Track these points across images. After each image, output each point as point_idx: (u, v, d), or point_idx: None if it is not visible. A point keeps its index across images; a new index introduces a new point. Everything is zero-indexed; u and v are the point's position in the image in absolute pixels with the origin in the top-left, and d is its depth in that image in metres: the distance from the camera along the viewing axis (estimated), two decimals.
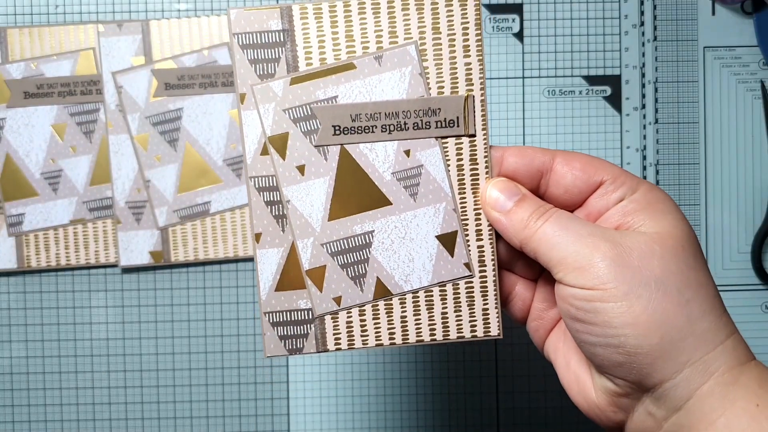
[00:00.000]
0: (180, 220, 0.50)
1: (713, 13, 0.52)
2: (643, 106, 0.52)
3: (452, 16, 0.34)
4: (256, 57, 0.33)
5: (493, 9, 0.51)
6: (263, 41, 0.33)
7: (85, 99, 0.49)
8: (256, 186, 0.34)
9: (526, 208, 0.32)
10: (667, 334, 0.28)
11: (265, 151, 0.34)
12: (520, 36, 0.51)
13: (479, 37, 0.34)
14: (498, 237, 0.34)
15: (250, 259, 0.51)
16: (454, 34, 0.34)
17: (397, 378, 0.52)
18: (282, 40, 0.34)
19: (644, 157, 0.52)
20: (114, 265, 0.51)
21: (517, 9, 0.51)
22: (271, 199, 0.34)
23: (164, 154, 0.49)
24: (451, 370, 0.52)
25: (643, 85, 0.52)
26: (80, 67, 0.49)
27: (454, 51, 0.34)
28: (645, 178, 0.52)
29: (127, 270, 0.51)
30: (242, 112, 0.33)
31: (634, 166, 0.51)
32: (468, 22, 0.34)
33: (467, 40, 0.34)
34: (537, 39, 0.51)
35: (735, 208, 0.52)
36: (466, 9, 0.34)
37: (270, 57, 0.34)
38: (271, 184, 0.34)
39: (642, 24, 0.51)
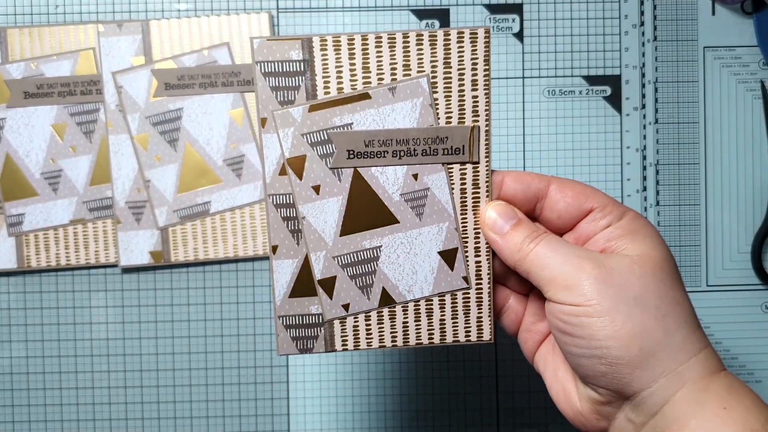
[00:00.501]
0: (180, 220, 0.50)
1: (713, 13, 0.52)
2: (643, 106, 0.52)
3: (463, 52, 0.36)
4: (277, 84, 0.35)
5: (493, 9, 0.51)
6: (284, 70, 0.35)
7: (85, 99, 0.49)
8: (274, 203, 0.37)
9: (521, 232, 0.35)
10: (646, 346, 0.31)
11: (283, 172, 0.36)
12: (520, 36, 0.51)
13: (487, 73, 0.36)
14: (494, 254, 0.37)
15: (250, 260, 0.51)
16: (464, 68, 0.36)
17: (397, 378, 0.52)
18: (302, 69, 0.35)
19: (644, 157, 0.52)
20: (114, 265, 0.51)
21: (517, 9, 0.51)
22: (288, 215, 0.37)
23: (164, 154, 0.49)
24: (451, 370, 0.52)
25: (643, 85, 0.52)
26: (80, 67, 0.49)
27: (463, 84, 0.36)
28: (645, 178, 0.52)
29: (127, 270, 0.51)
30: (263, 135, 0.36)
31: (634, 166, 0.51)
32: (477, 58, 0.36)
33: (476, 74, 0.36)
34: (537, 39, 0.51)
35: (735, 208, 0.52)
36: (476, 46, 0.36)
37: (290, 85, 0.36)
38: (288, 202, 0.37)
39: (642, 24, 0.51)
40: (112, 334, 0.51)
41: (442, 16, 0.51)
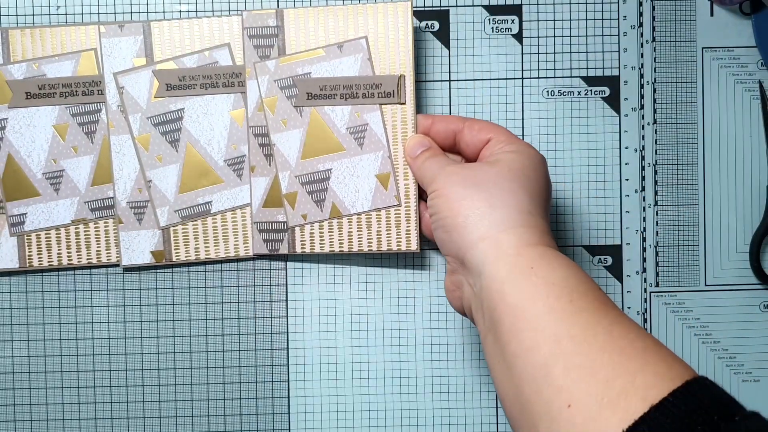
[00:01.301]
0: (181, 220, 0.50)
1: (711, 14, 0.52)
2: (642, 107, 0.52)
3: (393, 21, 0.47)
4: (258, 43, 0.48)
5: (493, 10, 0.51)
6: (263, 33, 0.48)
7: (87, 99, 0.50)
8: (254, 132, 0.48)
9: (426, 154, 0.45)
10: (471, 216, 0.38)
11: (260, 108, 0.48)
12: (519, 37, 0.51)
13: (410, 36, 0.47)
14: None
15: (251, 259, 0.51)
16: (393, 33, 0.47)
17: (397, 377, 0.52)
18: (276, 33, 0.48)
19: (643, 158, 0.52)
20: (116, 265, 0.51)
21: (516, 10, 0.51)
22: (263, 142, 0.48)
23: (165, 155, 0.50)
24: (450, 368, 0.52)
25: (642, 86, 0.52)
26: (82, 68, 0.49)
27: (393, 44, 0.47)
28: (643, 179, 0.52)
29: (129, 269, 0.51)
30: (247, 82, 0.48)
31: (633, 166, 0.52)
32: (404, 26, 0.47)
33: (403, 37, 0.47)
34: (536, 40, 0.51)
35: (733, 208, 0.52)
36: (402, 16, 0.47)
37: (267, 44, 0.48)
38: (263, 132, 0.48)
39: (641, 25, 0.52)
40: (114, 334, 0.51)
41: (442, 16, 0.51)
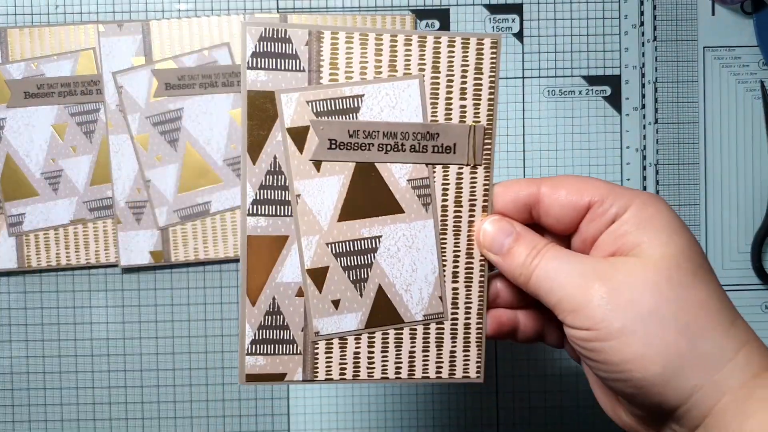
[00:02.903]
0: (180, 220, 0.50)
1: (713, 13, 0.52)
2: (643, 106, 0.52)
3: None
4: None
5: (493, 9, 0.51)
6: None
7: (86, 99, 0.49)
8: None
9: (521, 251, 0.31)
10: (670, 363, 0.28)
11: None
12: (520, 36, 0.51)
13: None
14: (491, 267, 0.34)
15: None
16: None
17: None
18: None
19: (644, 157, 0.52)
20: (114, 265, 0.51)
21: (517, 9, 0.51)
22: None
23: (164, 154, 0.49)
24: None
25: (643, 85, 0.52)
26: (80, 67, 0.49)
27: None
28: (645, 179, 0.52)
29: (128, 270, 0.51)
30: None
31: (634, 166, 0.52)
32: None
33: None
34: (537, 39, 0.51)
35: (735, 208, 0.52)
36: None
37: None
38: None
39: (642, 24, 0.52)
40: (113, 334, 0.51)
41: (442, 16, 0.51)
